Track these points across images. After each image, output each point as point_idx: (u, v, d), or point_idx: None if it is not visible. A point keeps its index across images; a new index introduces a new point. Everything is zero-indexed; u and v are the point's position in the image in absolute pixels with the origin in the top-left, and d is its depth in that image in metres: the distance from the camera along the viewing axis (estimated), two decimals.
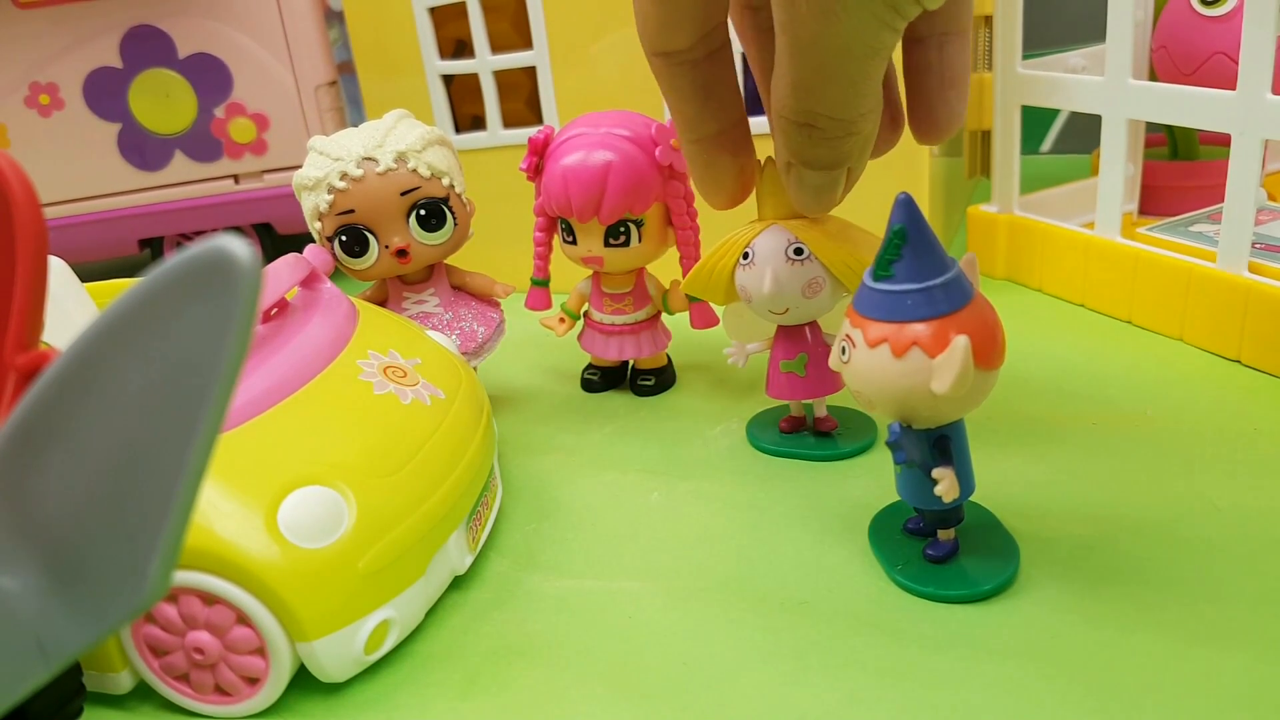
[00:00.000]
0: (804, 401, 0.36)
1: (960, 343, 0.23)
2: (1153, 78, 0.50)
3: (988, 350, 0.24)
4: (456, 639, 0.28)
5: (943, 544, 0.28)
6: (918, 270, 0.24)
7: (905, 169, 0.45)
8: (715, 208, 0.32)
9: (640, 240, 0.38)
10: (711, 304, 0.39)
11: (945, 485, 0.25)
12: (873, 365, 0.25)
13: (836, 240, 0.32)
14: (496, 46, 0.51)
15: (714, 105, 0.29)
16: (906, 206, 0.24)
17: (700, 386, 0.43)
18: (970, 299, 0.24)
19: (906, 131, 0.30)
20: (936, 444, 0.26)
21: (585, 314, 0.42)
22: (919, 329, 0.24)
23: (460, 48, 0.58)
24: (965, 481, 0.26)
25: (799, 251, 0.32)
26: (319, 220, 0.38)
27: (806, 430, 0.36)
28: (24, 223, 0.19)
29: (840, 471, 0.34)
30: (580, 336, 0.43)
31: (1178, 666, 0.23)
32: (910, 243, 0.24)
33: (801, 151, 0.27)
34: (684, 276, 0.38)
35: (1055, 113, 0.79)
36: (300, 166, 0.38)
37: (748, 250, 0.33)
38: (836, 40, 0.23)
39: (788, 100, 0.25)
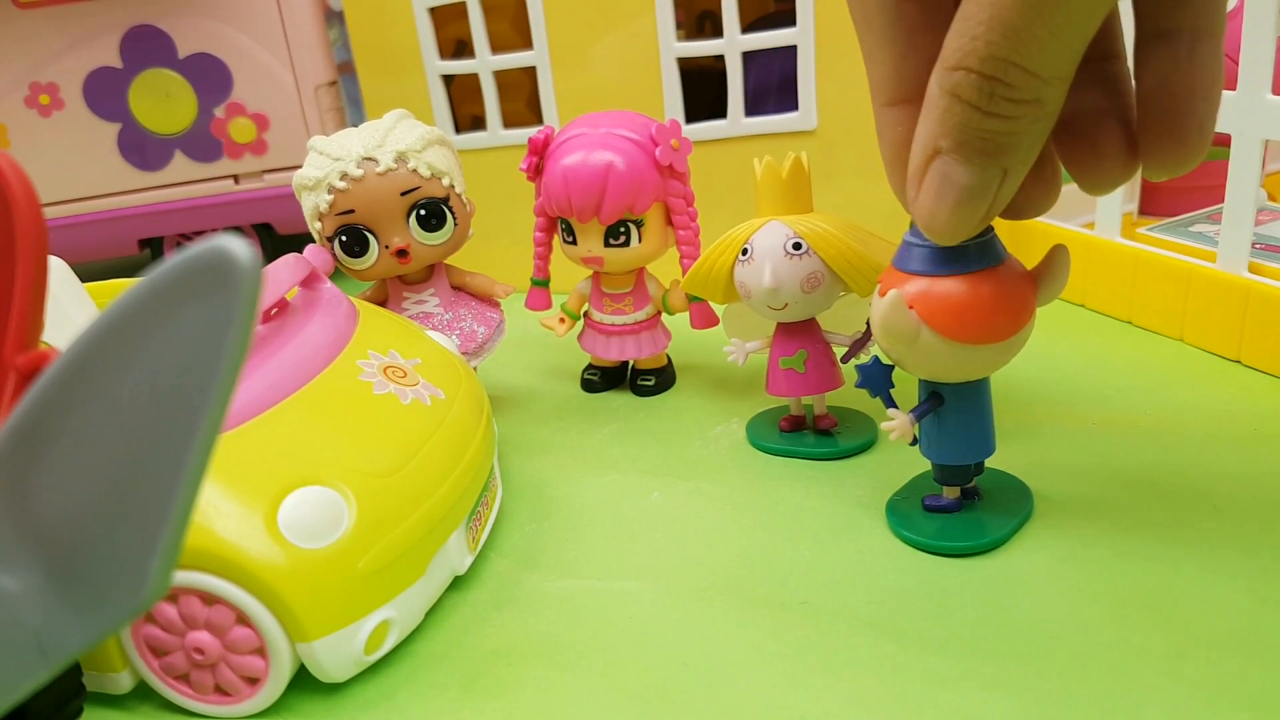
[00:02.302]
0: (804, 400, 0.36)
1: (890, 295, 0.26)
2: None
3: (945, 319, 0.25)
4: (456, 639, 0.28)
5: (943, 498, 0.30)
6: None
7: None
8: (922, 223, 0.24)
9: (640, 240, 0.38)
10: (711, 303, 0.40)
11: (891, 425, 0.28)
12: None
13: (836, 235, 0.32)
14: (496, 46, 0.51)
15: (921, 55, 0.22)
16: None
17: (700, 386, 0.43)
18: (959, 271, 0.25)
19: None
20: (931, 397, 0.28)
21: (585, 314, 0.42)
22: (901, 277, 0.26)
23: (460, 48, 0.58)
24: (958, 445, 0.28)
25: (797, 246, 0.32)
26: (319, 220, 0.38)
27: (806, 429, 0.36)
28: (24, 223, 0.19)
29: (840, 470, 0.34)
30: (580, 337, 0.43)
31: (1178, 666, 0.23)
32: None
33: (967, 122, 0.21)
34: (684, 276, 0.38)
35: None
36: (300, 166, 0.38)
37: (746, 246, 0.33)
38: None
39: (978, 44, 0.21)
